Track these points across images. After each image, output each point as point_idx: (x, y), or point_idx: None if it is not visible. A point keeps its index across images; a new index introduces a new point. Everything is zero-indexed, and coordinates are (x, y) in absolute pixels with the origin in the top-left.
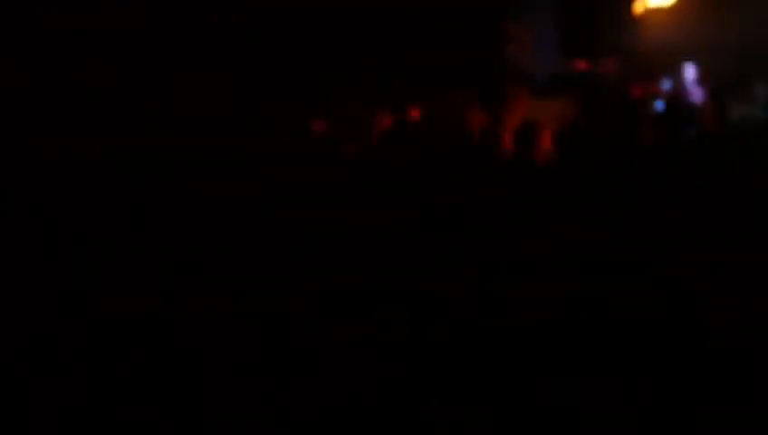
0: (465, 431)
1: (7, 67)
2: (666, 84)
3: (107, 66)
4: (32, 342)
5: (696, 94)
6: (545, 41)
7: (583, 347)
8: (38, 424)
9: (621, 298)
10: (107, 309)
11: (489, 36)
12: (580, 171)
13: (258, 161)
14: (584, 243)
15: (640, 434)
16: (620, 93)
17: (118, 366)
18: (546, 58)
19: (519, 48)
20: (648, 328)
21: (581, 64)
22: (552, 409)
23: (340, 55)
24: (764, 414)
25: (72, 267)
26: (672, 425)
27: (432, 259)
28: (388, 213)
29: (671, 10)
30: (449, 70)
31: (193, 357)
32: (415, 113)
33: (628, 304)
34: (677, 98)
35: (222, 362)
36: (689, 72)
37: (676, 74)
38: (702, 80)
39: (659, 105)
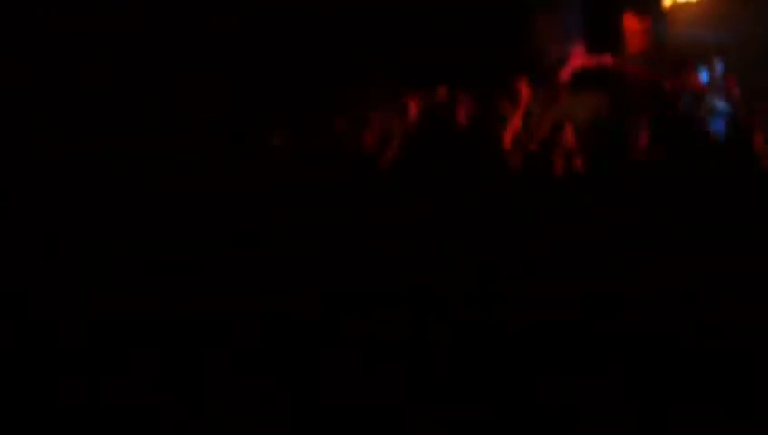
0: (465, 431)
1: (7, 67)
2: (703, 77)
3: (107, 66)
4: (32, 342)
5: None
6: (571, 35)
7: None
8: (38, 424)
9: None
10: (107, 309)
11: (513, 31)
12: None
13: (257, 162)
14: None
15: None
16: (650, 89)
17: (120, 366)
18: (572, 53)
19: (544, 43)
20: (647, 328)
21: (608, 59)
22: (551, 409)
23: (353, 53)
24: (763, 414)
25: (72, 267)
26: (671, 425)
27: (444, 259)
28: (404, 212)
29: (700, 4)
30: (472, 67)
31: (194, 357)
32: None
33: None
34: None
35: (224, 362)
36: (718, 68)
37: (708, 70)
38: (730, 78)
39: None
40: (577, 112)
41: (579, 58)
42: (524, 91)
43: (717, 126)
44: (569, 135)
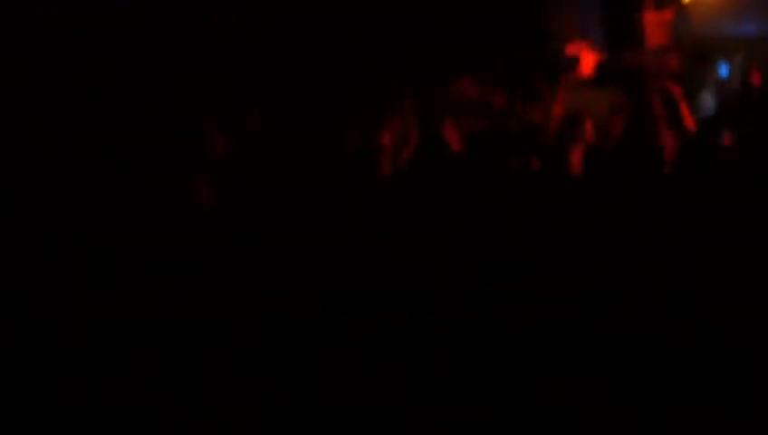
0: (465, 431)
1: (7, 67)
2: (723, 71)
3: (107, 66)
4: (32, 341)
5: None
6: (590, 30)
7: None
8: (37, 424)
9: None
10: (107, 309)
11: (530, 28)
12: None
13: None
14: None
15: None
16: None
17: (119, 366)
18: (591, 48)
19: (561, 39)
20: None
21: (628, 54)
22: (551, 409)
23: (359, 53)
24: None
25: (72, 267)
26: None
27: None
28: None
29: None
30: (490, 65)
31: (194, 357)
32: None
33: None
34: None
35: (223, 362)
36: (739, 64)
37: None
38: (754, 71)
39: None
40: (594, 108)
41: (597, 53)
42: (542, 88)
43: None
44: (587, 131)
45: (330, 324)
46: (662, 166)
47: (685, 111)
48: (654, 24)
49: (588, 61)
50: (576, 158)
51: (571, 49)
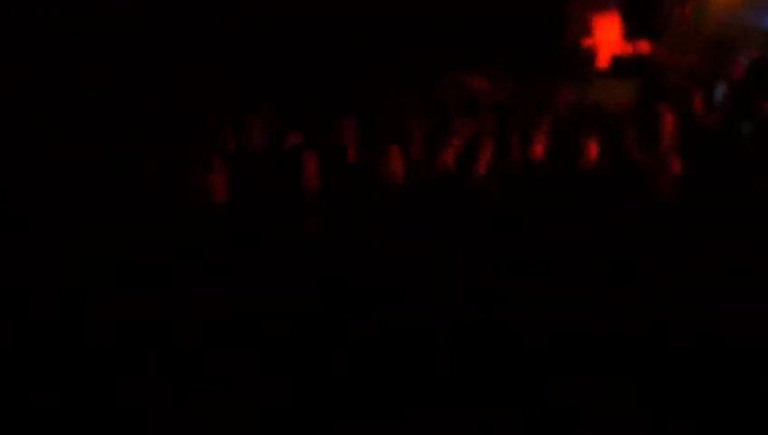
0: (465, 431)
1: (7, 67)
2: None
3: (107, 66)
4: (31, 341)
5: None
6: (609, 21)
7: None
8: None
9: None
10: (107, 309)
11: (550, 17)
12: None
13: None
14: None
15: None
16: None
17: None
18: (609, 38)
19: (580, 28)
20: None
21: (645, 45)
22: (551, 409)
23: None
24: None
25: (72, 267)
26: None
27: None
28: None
29: None
30: (509, 58)
31: (193, 357)
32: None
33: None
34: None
35: (223, 362)
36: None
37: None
38: None
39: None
40: (610, 101)
41: (616, 45)
42: (559, 80)
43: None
44: (603, 124)
45: (330, 324)
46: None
47: (699, 107)
48: (672, 16)
49: (605, 53)
50: (591, 151)
51: (588, 41)
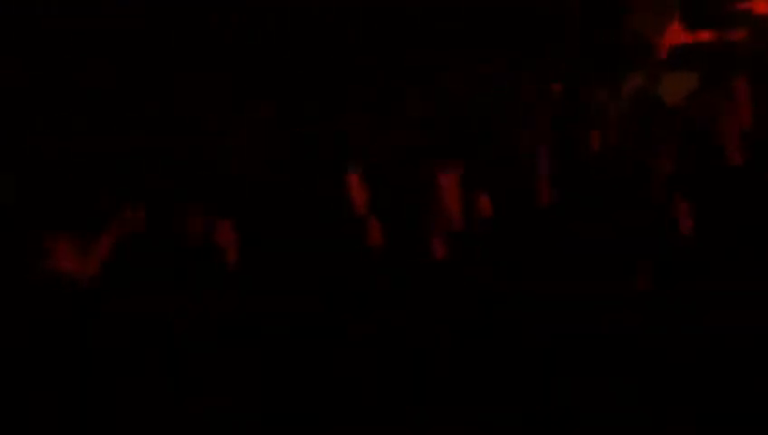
0: (465, 431)
1: (7, 67)
2: None
3: (107, 66)
4: (31, 341)
5: None
6: (666, 8)
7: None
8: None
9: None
10: (107, 309)
11: (607, 9)
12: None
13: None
14: None
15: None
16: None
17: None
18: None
19: (640, 20)
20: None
21: (705, 35)
22: (551, 409)
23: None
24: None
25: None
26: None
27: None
28: None
29: None
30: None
31: (193, 357)
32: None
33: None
34: None
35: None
36: None
37: None
38: None
39: None
40: (673, 94)
41: (676, 35)
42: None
43: None
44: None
45: (330, 324)
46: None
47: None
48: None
49: (669, 41)
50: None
51: (650, 29)
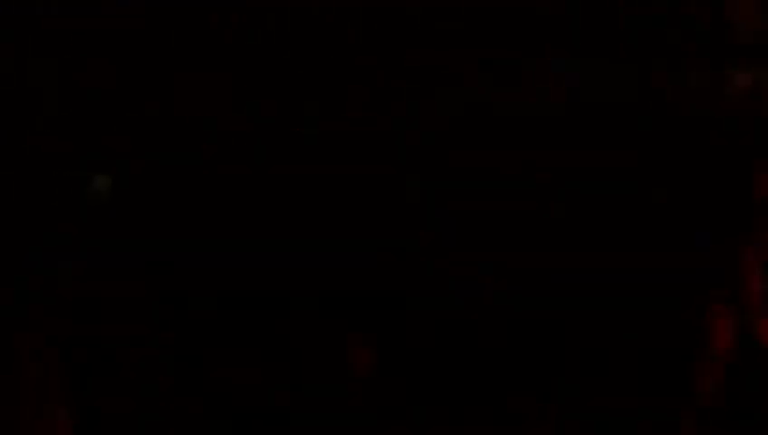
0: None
1: (7, 67)
2: None
3: (107, 66)
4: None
5: None
6: None
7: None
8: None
9: None
10: (109, 308)
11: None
12: None
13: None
14: None
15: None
16: None
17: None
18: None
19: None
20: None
21: None
22: (551, 409)
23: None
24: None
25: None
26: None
27: None
28: None
29: None
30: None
31: (193, 356)
32: None
33: None
34: None
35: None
36: None
37: None
38: None
39: None
40: None
41: None
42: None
43: None
44: None
45: (329, 327)
46: None
47: None
48: None
49: None
50: None
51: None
